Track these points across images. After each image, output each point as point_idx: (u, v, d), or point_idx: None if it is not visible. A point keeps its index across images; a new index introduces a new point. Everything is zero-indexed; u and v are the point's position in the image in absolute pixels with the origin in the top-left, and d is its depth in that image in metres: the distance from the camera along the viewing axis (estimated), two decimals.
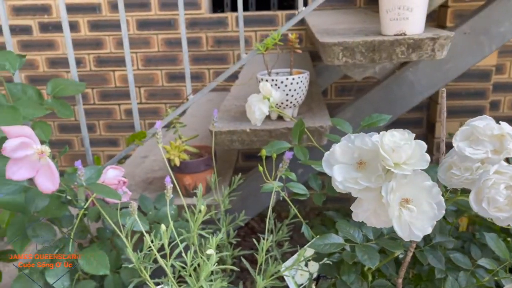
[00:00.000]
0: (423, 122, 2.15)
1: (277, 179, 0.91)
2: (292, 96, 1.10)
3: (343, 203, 2.04)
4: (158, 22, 2.10)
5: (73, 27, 2.10)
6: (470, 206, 0.63)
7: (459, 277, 0.87)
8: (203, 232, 0.95)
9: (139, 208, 1.10)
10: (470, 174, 0.65)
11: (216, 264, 0.83)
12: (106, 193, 0.90)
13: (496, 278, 0.87)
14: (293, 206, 0.98)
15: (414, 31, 1.00)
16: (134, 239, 0.89)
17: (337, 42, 1.00)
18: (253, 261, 1.09)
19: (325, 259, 0.93)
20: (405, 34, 0.99)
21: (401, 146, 0.58)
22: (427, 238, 0.88)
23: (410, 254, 0.79)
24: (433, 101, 2.03)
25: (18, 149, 0.77)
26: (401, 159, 0.58)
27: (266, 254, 0.95)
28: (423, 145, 0.59)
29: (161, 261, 0.83)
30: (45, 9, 2.10)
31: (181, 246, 0.86)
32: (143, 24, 2.10)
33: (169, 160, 1.19)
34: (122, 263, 1.01)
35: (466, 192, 0.70)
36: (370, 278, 0.88)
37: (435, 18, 1.97)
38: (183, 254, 0.86)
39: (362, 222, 0.65)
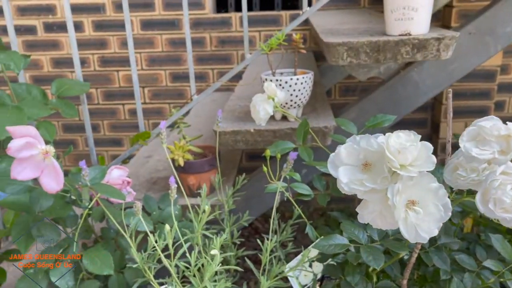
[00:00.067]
0: (427, 123, 2.14)
1: (281, 180, 0.91)
2: (297, 96, 1.10)
3: (347, 204, 2.04)
4: (162, 22, 2.10)
5: (78, 27, 2.11)
6: (476, 207, 0.63)
7: (464, 279, 0.87)
8: (207, 232, 0.95)
9: (143, 208, 1.10)
10: (476, 175, 0.65)
11: (220, 264, 0.83)
12: (110, 193, 0.90)
13: (501, 279, 0.87)
14: (297, 207, 0.98)
15: (419, 31, 1.00)
16: (138, 239, 0.89)
17: (341, 42, 1.00)
18: (257, 262, 1.09)
19: (330, 259, 0.93)
20: (410, 34, 0.99)
21: (407, 148, 0.57)
22: (432, 239, 0.87)
23: (415, 255, 0.79)
24: (437, 101, 2.02)
25: (23, 149, 0.77)
26: (407, 161, 0.58)
27: (270, 255, 0.95)
28: (429, 146, 0.59)
29: (165, 261, 0.83)
30: (49, 9, 2.10)
31: (185, 246, 0.86)
32: (147, 24, 2.10)
33: (173, 160, 1.19)
34: (126, 263, 1.01)
35: (472, 193, 0.70)
36: (374, 279, 0.87)
37: (440, 18, 1.96)
38: (187, 254, 0.86)
39: (367, 223, 0.65)
